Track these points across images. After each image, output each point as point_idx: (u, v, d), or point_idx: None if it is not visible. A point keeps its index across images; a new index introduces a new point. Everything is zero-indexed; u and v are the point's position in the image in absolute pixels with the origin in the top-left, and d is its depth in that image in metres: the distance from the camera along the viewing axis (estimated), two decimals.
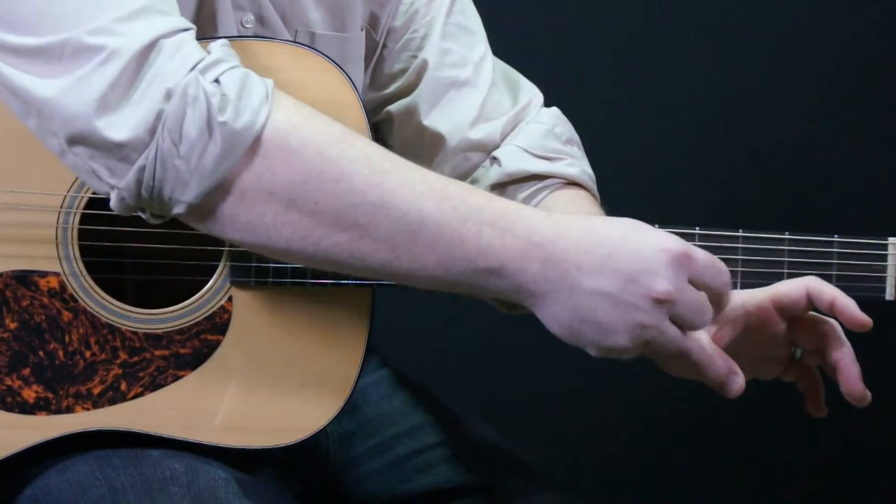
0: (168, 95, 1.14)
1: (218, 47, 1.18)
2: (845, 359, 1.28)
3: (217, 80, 1.15)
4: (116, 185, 1.17)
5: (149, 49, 1.15)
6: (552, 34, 2.30)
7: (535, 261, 1.16)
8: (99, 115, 1.14)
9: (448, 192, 1.17)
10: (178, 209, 1.17)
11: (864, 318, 1.27)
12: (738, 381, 1.22)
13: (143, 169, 1.15)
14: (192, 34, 1.19)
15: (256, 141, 1.15)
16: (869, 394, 1.29)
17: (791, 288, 1.30)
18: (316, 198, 1.15)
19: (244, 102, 1.15)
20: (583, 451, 2.53)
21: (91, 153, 1.16)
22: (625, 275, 1.15)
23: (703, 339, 1.22)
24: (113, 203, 1.19)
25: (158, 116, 1.14)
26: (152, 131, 1.14)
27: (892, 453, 2.50)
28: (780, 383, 1.36)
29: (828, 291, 1.28)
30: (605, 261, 1.16)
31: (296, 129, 1.16)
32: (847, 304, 1.27)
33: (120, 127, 1.14)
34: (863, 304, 1.32)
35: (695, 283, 1.17)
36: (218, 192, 1.16)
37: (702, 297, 1.18)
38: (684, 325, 1.18)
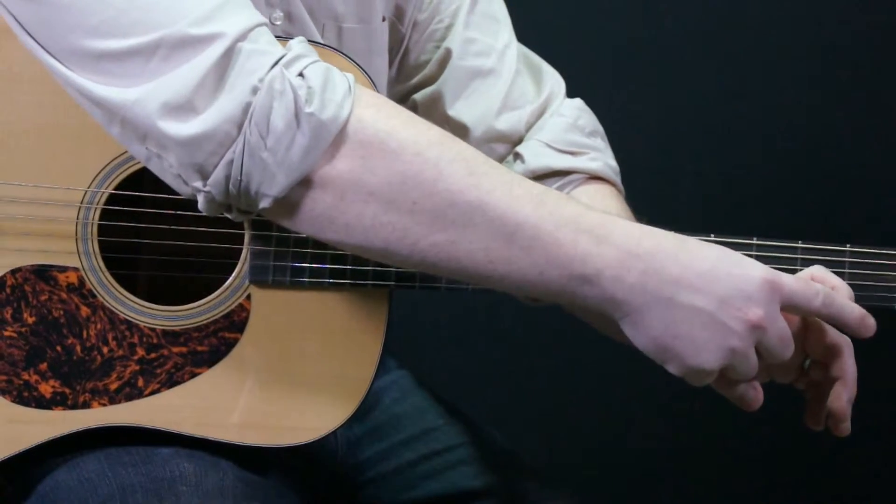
0: (254, 90, 1.15)
1: (297, 43, 1.19)
2: (846, 378, 1.27)
3: (301, 74, 1.16)
4: (202, 189, 1.18)
5: (230, 50, 1.15)
6: (553, 32, 2.30)
7: (633, 271, 1.16)
8: (187, 116, 1.15)
9: (544, 198, 1.17)
10: (264, 203, 1.18)
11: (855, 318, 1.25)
12: (758, 397, 1.23)
13: (230, 164, 1.16)
14: (267, 28, 1.19)
15: (353, 138, 1.16)
16: (849, 424, 1.28)
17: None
18: (414, 197, 1.16)
19: (328, 95, 1.16)
20: (591, 455, 2.54)
21: (179, 156, 1.17)
22: (721, 295, 1.16)
23: None
24: (201, 205, 1.20)
25: (245, 110, 1.15)
26: (239, 125, 1.15)
27: (892, 453, 2.53)
28: (781, 385, 1.37)
29: (830, 280, 1.28)
30: (702, 278, 1.16)
31: (395, 131, 1.17)
32: (843, 294, 1.26)
33: (206, 121, 1.15)
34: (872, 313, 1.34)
35: (788, 309, 1.19)
36: (314, 191, 1.17)
37: (787, 330, 1.19)
38: (767, 356, 1.19)
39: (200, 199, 1.19)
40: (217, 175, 1.17)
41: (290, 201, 1.18)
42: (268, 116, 1.15)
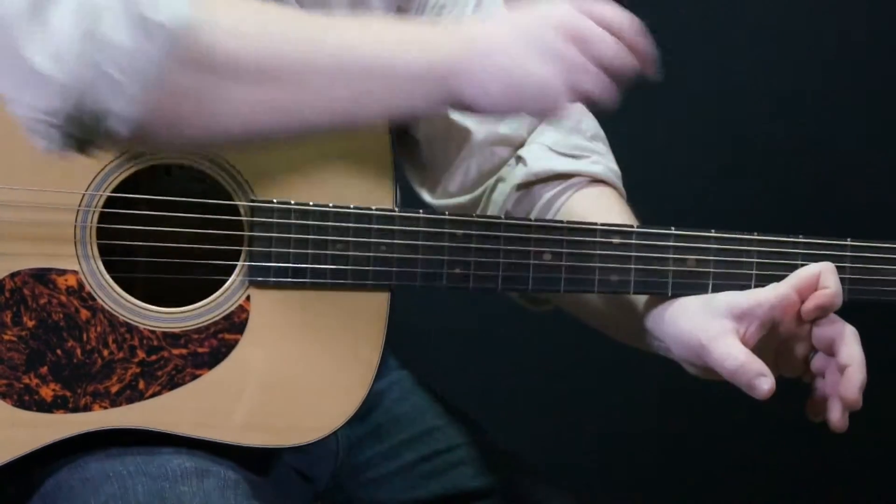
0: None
1: None
2: (855, 364, 1.27)
3: None
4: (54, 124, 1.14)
5: None
6: None
7: (445, 39, 1.23)
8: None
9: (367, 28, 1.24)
10: (120, 125, 1.14)
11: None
12: (768, 383, 1.24)
13: (80, 92, 1.12)
14: None
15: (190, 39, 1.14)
16: (847, 419, 1.28)
17: (809, 269, 1.30)
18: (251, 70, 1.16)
19: None
20: (591, 454, 2.54)
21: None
22: (526, 16, 1.23)
23: (732, 345, 1.25)
24: (52, 143, 1.15)
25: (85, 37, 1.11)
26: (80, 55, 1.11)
27: (892, 454, 2.53)
28: (783, 387, 1.37)
29: (828, 285, 1.28)
30: (505, 17, 1.25)
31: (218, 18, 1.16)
32: (825, 303, 1.28)
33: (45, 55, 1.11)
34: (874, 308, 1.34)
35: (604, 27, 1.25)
36: (167, 97, 1.14)
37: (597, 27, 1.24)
38: (602, 58, 1.23)
39: (53, 135, 1.14)
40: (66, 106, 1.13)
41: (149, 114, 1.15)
42: (104, 31, 1.11)
